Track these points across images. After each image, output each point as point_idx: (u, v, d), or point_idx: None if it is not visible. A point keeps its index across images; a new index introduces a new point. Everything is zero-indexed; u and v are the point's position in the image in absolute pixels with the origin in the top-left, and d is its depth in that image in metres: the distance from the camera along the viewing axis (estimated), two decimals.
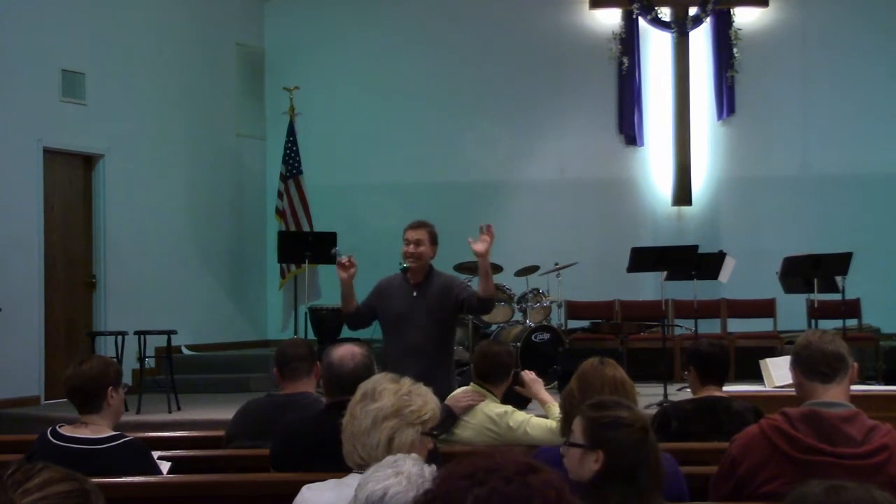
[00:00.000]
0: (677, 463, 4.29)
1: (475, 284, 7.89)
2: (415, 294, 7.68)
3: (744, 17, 15.22)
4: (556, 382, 11.41)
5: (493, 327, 12.91)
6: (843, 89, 15.07)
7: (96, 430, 4.90)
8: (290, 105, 14.41)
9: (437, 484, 2.03)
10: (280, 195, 14.40)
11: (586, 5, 15.23)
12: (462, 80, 15.20)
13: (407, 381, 3.78)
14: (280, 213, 14.36)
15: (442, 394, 6.63)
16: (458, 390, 6.37)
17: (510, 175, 15.22)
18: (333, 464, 3.87)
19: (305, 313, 12.88)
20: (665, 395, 10.29)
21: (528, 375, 6.32)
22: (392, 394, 3.71)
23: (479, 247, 7.51)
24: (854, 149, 14.97)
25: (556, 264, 13.15)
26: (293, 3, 15.50)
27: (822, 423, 4.02)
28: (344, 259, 7.69)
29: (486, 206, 15.15)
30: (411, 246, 7.77)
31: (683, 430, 5.67)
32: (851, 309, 13.23)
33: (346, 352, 4.89)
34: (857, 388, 5.45)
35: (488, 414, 6.05)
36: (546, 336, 12.46)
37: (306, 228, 14.05)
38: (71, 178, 12.59)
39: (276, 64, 15.46)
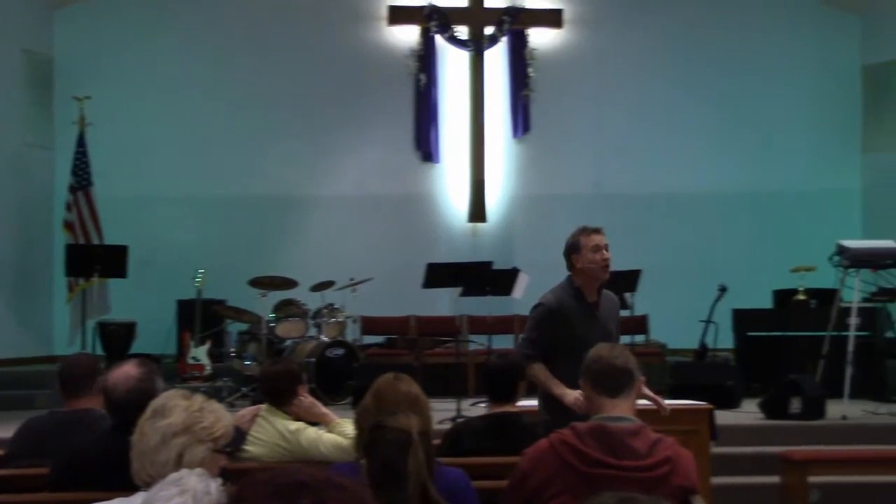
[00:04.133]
0: (468, 478, 4.32)
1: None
2: (596, 314, 6.60)
3: (539, 38, 15.50)
4: (350, 398, 11.38)
5: (288, 342, 12.81)
6: (636, 110, 15.48)
7: None
8: (80, 115, 14.03)
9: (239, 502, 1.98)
10: (69, 207, 13.99)
11: (385, 22, 15.29)
12: (260, 94, 15.06)
13: (199, 398, 3.71)
14: (68, 225, 13.96)
15: None
16: (245, 409, 6.29)
17: (307, 189, 15.14)
18: (121, 482, 3.78)
19: (94, 328, 12.56)
20: (459, 410, 10.36)
21: (305, 401, 6.23)
22: (183, 410, 3.64)
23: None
24: (645, 168, 15.38)
25: (352, 279, 13.13)
26: (85, 10, 15.11)
27: (608, 437, 4.10)
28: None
29: (283, 221, 15.07)
30: (604, 252, 6.66)
31: (476, 446, 5.71)
32: (640, 325, 13.61)
33: (120, 375, 4.74)
34: (643, 402, 5.59)
35: (280, 430, 5.99)
36: (341, 351, 12.42)
37: (96, 241, 13.70)
38: None
39: (67, 72, 15.02)
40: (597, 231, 6.72)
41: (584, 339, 6.09)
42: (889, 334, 11.98)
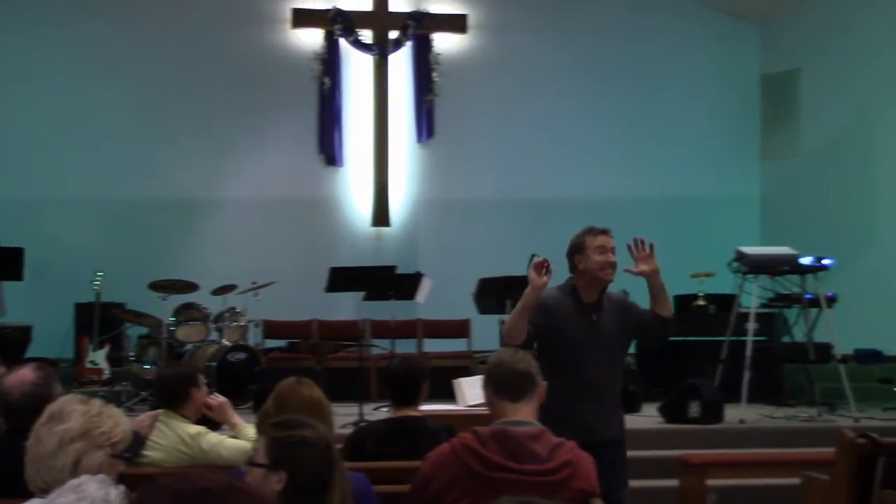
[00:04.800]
0: (370, 482, 4.31)
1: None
2: (594, 318, 6.23)
3: (443, 43, 15.53)
4: (251, 402, 11.30)
5: (188, 346, 12.68)
6: (538, 116, 15.57)
7: None
8: None
9: None
10: None
11: (288, 25, 15.21)
12: (161, 95, 14.87)
13: (97, 403, 3.66)
14: None
15: (619, 438, 6.24)
16: (144, 414, 6.21)
17: (209, 192, 14.99)
18: (15, 489, 3.71)
19: None
20: (361, 414, 10.33)
21: (216, 399, 6.20)
22: (81, 415, 3.59)
23: (644, 267, 6.28)
24: (548, 174, 15.47)
25: (254, 283, 13.03)
26: None
27: (509, 441, 4.11)
28: (540, 259, 6.15)
29: (184, 223, 14.92)
30: (610, 255, 6.24)
31: (378, 450, 5.69)
32: None
33: (15, 379, 4.66)
34: None
35: (180, 435, 5.92)
36: (242, 355, 12.33)
37: None
38: None
39: None
40: (604, 232, 6.29)
41: (576, 341, 6.10)
42: (786, 339, 12.17)
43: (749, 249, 11.50)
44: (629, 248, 6.30)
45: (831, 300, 11.62)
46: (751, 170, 16.18)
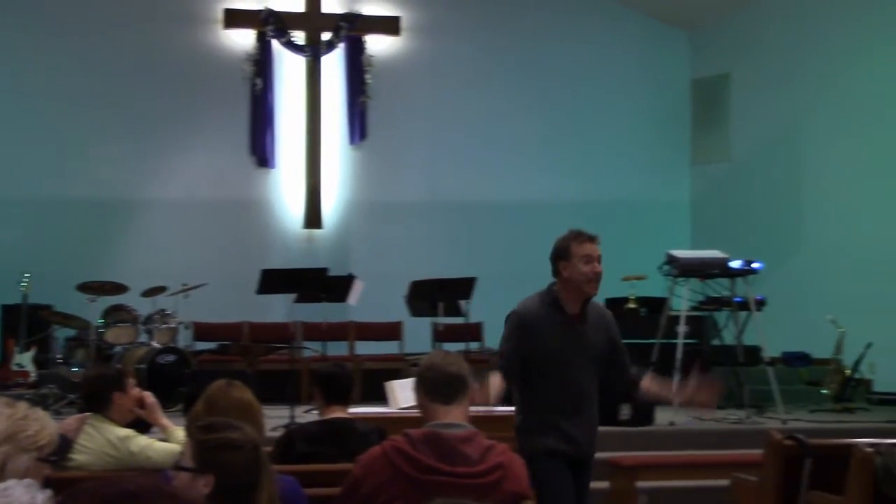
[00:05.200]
0: (300, 485, 4.29)
1: None
2: (578, 329, 5.93)
3: (376, 45, 15.51)
4: (181, 405, 11.21)
5: (117, 349, 12.56)
6: (471, 119, 15.62)
7: None
8: None
9: None
10: None
11: (220, 25, 15.12)
12: (90, 94, 14.69)
13: (23, 406, 3.61)
14: None
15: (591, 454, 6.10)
16: (71, 417, 6.14)
17: (139, 193, 14.85)
18: None
19: None
20: (292, 417, 10.28)
21: (148, 399, 6.15)
22: (6, 418, 3.53)
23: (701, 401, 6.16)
24: (480, 177, 15.52)
25: (185, 285, 12.93)
26: None
27: (441, 444, 4.11)
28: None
29: (114, 224, 14.78)
30: (595, 264, 5.90)
31: (309, 452, 5.68)
32: (474, 332, 13.71)
33: None
34: (477, 409, 5.61)
35: (109, 438, 5.85)
36: (172, 358, 12.22)
37: None
38: None
39: None
40: (591, 239, 5.91)
41: (560, 354, 5.84)
42: (716, 342, 12.28)
43: (680, 253, 11.59)
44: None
45: (760, 303, 11.74)
46: (681, 174, 16.33)
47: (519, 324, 5.92)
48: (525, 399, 5.97)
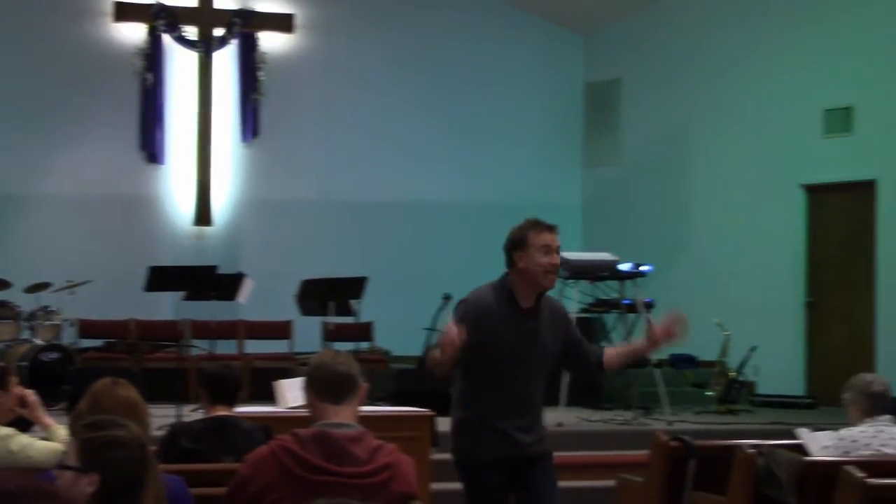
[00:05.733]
0: (186, 484, 4.24)
1: None
2: (529, 325, 5.61)
3: (270, 42, 15.41)
4: (65, 403, 11.02)
5: None
6: (364, 118, 15.60)
7: None
8: None
9: None
10: None
11: (110, 18, 14.89)
12: None
13: None
14: None
15: (548, 451, 5.86)
16: None
17: (25, 187, 14.57)
18: None
19: None
20: (179, 416, 10.16)
21: (30, 397, 6.02)
22: None
23: (664, 339, 5.90)
24: (372, 176, 15.50)
25: (70, 281, 12.74)
26: None
27: (330, 444, 4.09)
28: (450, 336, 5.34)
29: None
30: (554, 255, 5.63)
31: (193, 449, 5.63)
32: (365, 332, 13.70)
33: None
34: (366, 408, 5.59)
35: None
36: (56, 355, 12.04)
37: None
38: None
39: None
40: (550, 229, 5.61)
41: (509, 350, 5.54)
42: (604, 344, 12.40)
43: (570, 255, 11.66)
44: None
45: (649, 305, 11.87)
46: (573, 176, 16.48)
47: (469, 313, 5.55)
48: (465, 395, 5.69)
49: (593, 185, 16.44)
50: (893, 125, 13.14)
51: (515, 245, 5.60)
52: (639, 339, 5.98)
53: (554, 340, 5.68)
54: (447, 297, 12.54)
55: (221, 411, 5.88)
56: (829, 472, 5.92)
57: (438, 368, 5.48)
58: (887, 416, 6.40)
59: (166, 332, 13.34)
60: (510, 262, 5.63)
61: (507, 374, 5.58)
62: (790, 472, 6.21)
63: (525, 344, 5.57)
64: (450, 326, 5.35)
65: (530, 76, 16.29)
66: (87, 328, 13.75)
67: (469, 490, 5.71)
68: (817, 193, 13.98)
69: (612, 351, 5.99)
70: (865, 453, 6.24)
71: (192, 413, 10.54)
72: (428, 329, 12.52)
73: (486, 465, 5.64)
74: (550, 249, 5.55)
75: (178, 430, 5.90)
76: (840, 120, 13.59)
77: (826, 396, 12.61)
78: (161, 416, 9.69)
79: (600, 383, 5.53)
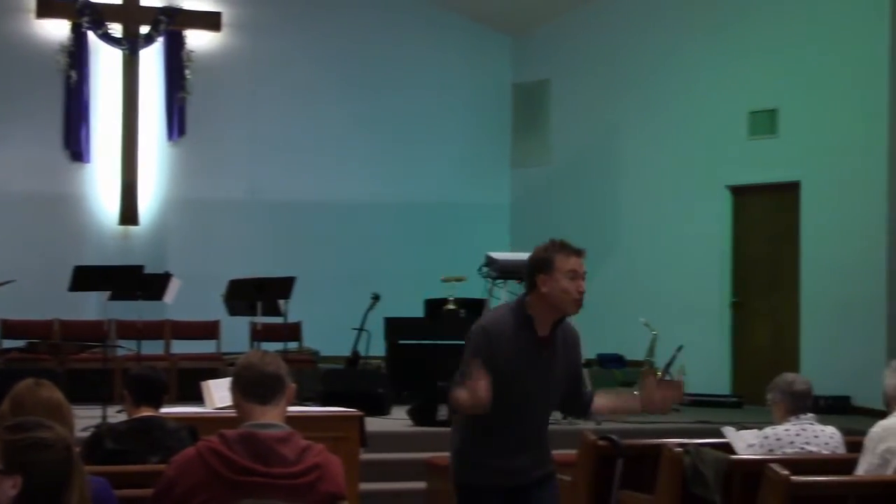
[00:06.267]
0: (111, 486, 4.20)
1: None
2: (544, 355, 5.20)
3: (197, 40, 15.29)
4: None
5: None
6: (291, 118, 15.53)
7: None
8: None
9: None
10: None
11: (33, 14, 14.69)
12: None
13: None
14: None
15: (551, 472, 5.36)
16: None
17: None
18: None
19: None
20: (105, 417, 10.06)
21: None
22: None
23: (662, 407, 5.28)
24: (299, 176, 15.45)
25: None
26: None
27: (257, 444, 4.06)
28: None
29: None
30: (580, 282, 5.21)
31: (118, 450, 5.60)
32: (293, 332, 13.65)
33: None
34: (294, 409, 5.56)
35: None
36: None
37: None
38: None
39: None
40: (578, 253, 5.26)
41: (520, 381, 5.12)
42: None
43: (498, 255, 11.71)
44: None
45: None
46: (502, 177, 16.52)
47: (486, 338, 5.17)
48: (468, 429, 5.28)
49: (521, 185, 16.50)
50: (817, 127, 13.31)
51: (540, 267, 5.23)
52: (631, 396, 5.53)
53: (563, 370, 5.31)
54: (376, 297, 12.54)
55: (146, 411, 5.83)
56: (754, 470, 6.00)
57: (469, 412, 5.06)
58: (810, 415, 6.49)
59: (91, 333, 13.23)
60: (531, 285, 5.24)
61: (515, 415, 5.19)
62: (716, 471, 6.29)
63: (536, 384, 5.18)
64: (476, 374, 4.88)
65: (458, 77, 16.32)
66: (10, 328, 13.64)
67: None
68: (743, 194, 14.14)
69: (603, 399, 5.53)
70: (789, 451, 6.33)
71: (117, 414, 10.45)
72: (357, 329, 12.51)
73: (488, 492, 5.32)
74: (577, 275, 5.18)
75: (102, 432, 5.85)
76: (765, 122, 13.76)
77: (751, 395, 12.75)
78: (86, 418, 9.59)
79: (580, 416, 5.20)
